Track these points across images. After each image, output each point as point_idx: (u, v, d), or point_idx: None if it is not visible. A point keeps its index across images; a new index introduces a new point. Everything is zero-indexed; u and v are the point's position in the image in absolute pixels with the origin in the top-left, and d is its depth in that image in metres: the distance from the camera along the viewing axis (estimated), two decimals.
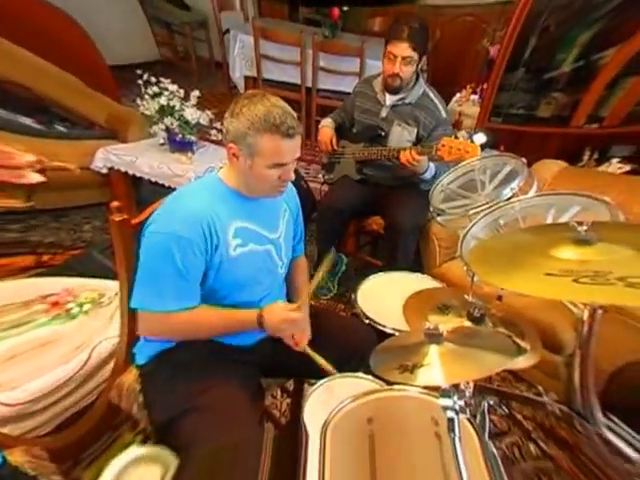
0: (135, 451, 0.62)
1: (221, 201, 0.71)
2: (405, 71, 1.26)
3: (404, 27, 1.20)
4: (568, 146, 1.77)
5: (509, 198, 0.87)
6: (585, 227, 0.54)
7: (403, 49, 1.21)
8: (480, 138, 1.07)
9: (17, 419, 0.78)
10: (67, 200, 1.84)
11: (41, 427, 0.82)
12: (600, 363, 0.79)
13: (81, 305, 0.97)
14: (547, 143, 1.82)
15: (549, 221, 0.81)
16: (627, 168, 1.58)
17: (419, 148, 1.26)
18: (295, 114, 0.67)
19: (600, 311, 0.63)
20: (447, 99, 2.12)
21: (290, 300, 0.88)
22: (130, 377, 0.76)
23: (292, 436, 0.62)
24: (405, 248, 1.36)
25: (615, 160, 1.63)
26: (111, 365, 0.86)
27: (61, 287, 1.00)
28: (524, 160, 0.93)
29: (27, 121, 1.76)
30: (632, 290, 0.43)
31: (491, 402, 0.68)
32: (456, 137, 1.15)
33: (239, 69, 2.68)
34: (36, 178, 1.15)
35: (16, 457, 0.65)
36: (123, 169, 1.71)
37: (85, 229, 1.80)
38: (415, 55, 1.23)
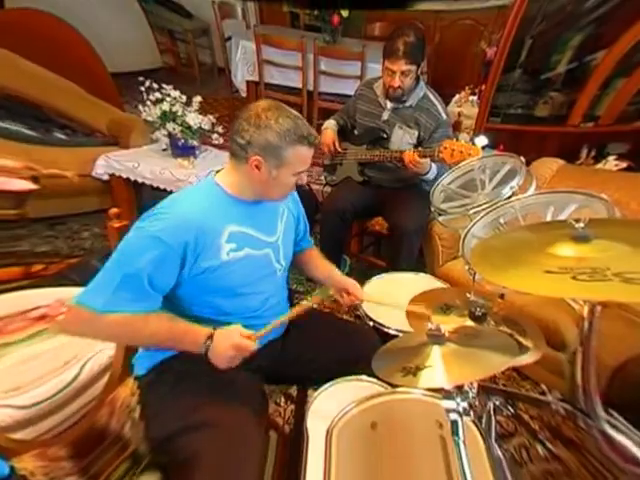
0: None
1: (216, 205, 0.70)
2: (405, 82, 1.30)
3: (399, 44, 1.22)
4: (566, 144, 1.79)
5: (509, 197, 0.87)
6: (582, 224, 0.54)
7: (400, 65, 1.25)
8: (482, 140, 1.09)
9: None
10: (65, 208, 1.81)
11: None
12: (603, 359, 0.78)
13: None
14: (545, 142, 1.84)
15: (548, 219, 0.81)
16: (624, 165, 1.59)
17: (421, 151, 1.27)
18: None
19: (599, 307, 0.63)
20: (447, 100, 2.14)
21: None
22: (126, 391, 0.72)
23: (296, 444, 0.61)
24: (409, 250, 1.37)
25: (612, 157, 1.63)
26: (102, 382, 0.81)
27: (54, 298, 0.91)
28: (523, 159, 0.94)
29: (20, 127, 1.72)
30: (628, 286, 0.43)
31: (497, 402, 0.68)
32: (457, 139, 1.16)
33: (241, 74, 2.73)
34: (23, 185, 1.04)
35: (26, 464, 0.61)
36: (125, 175, 1.72)
37: (84, 236, 1.77)
38: (413, 67, 1.27)
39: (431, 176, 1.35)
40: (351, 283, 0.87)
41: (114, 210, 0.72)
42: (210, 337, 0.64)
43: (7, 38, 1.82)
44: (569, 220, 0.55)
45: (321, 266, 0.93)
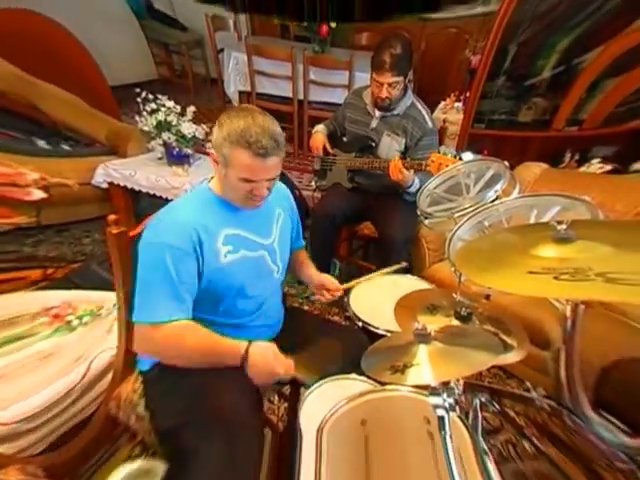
0: (126, 468, 0.62)
1: (210, 210, 0.73)
2: (393, 93, 1.33)
3: (385, 57, 1.25)
4: (549, 149, 1.83)
5: (493, 200, 0.90)
6: (564, 226, 0.56)
7: (387, 77, 1.28)
8: (468, 156, 1.12)
9: (12, 437, 0.77)
10: (70, 215, 1.90)
11: (39, 443, 0.81)
12: (589, 358, 0.80)
13: (80, 317, 0.99)
14: (529, 147, 1.89)
15: (532, 221, 0.84)
16: (608, 168, 1.62)
17: (408, 162, 1.30)
18: (282, 135, 0.68)
19: (582, 307, 0.65)
20: (432, 107, 2.19)
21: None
22: (128, 387, 0.77)
23: (290, 440, 0.63)
24: (398, 259, 1.36)
25: (595, 160, 1.67)
26: (109, 376, 0.87)
27: (61, 300, 1.02)
28: (507, 163, 0.97)
29: (40, 143, 1.87)
30: (611, 285, 0.44)
31: (483, 399, 0.69)
32: (444, 154, 1.19)
33: (234, 85, 2.78)
34: (39, 194, 1.22)
35: (11, 476, 0.65)
36: (122, 183, 1.77)
37: (85, 242, 1.85)
38: (400, 79, 1.30)
39: (413, 189, 1.37)
40: (328, 280, 0.90)
41: (112, 217, 0.76)
42: (246, 353, 0.66)
43: (10, 46, 1.89)
44: (551, 222, 0.57)
45: (304, 266, 0.97)
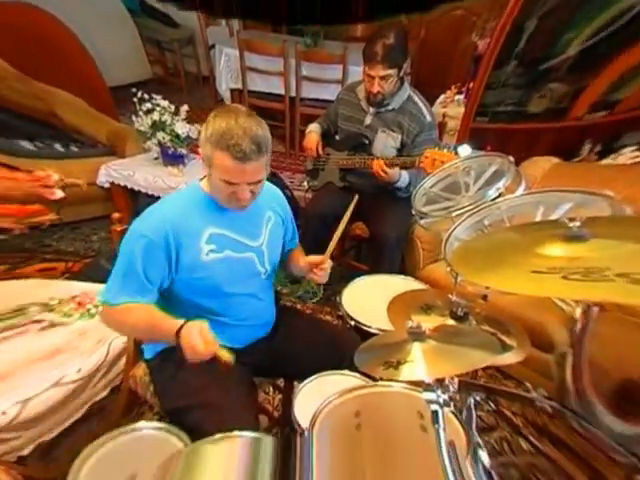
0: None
1: (196, 208, 0.74)
2: (385, 87, 1.26)
3: (377, 48, 1.18)
4: (564, 141, 1.65)
5: (495, 198, 0.85)
6: (578, 223, 0.52)
7: (379, 70, 1.21)
8: (465, 150, 1.04)
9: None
10: (80, 214, 2.03)
11: (80, 409, 0.92)
12: (603, 364, 0.75)
13: (97, 306, 1.10)
14: (539, 140, 1.72)
15: (538, 219, 0.79)
16: None
17: (397, 159, 1.27)
18: (266, 139, 0.67)
19: (595, 309, 0.61)
20: (433, 101, 2.07)
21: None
22: (140, 370, 0.85)
23: (284, 429, 0.65)
24: (390, 258, 1.36)
25: (628, 149, 1.42)
26: (122, 361, 0.96)
27: (81, 290, 1.14)
28: (511, 159, 0.91)
29: (56, 145, 2.00)
30: (635, 287, 0.40)
31: (477, 398, 0.67)
32: (439, 148, 1.14)
33: (225, 82, 2.73)
34: (60, 194, 1.36)
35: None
36: (122, 183, 1.83)
37: (94, 239, 1.98)
38: (393, 71, 1.23)
39: (401, 184, 1.33)
40: (312, 258, 0.86)
41: (116, 215, 0.82)
42: (178, 333, 0.64)
43: (12, 46, 1.95)
44: (561, 219, 0.54)
45: (300, 260, 0.93)
